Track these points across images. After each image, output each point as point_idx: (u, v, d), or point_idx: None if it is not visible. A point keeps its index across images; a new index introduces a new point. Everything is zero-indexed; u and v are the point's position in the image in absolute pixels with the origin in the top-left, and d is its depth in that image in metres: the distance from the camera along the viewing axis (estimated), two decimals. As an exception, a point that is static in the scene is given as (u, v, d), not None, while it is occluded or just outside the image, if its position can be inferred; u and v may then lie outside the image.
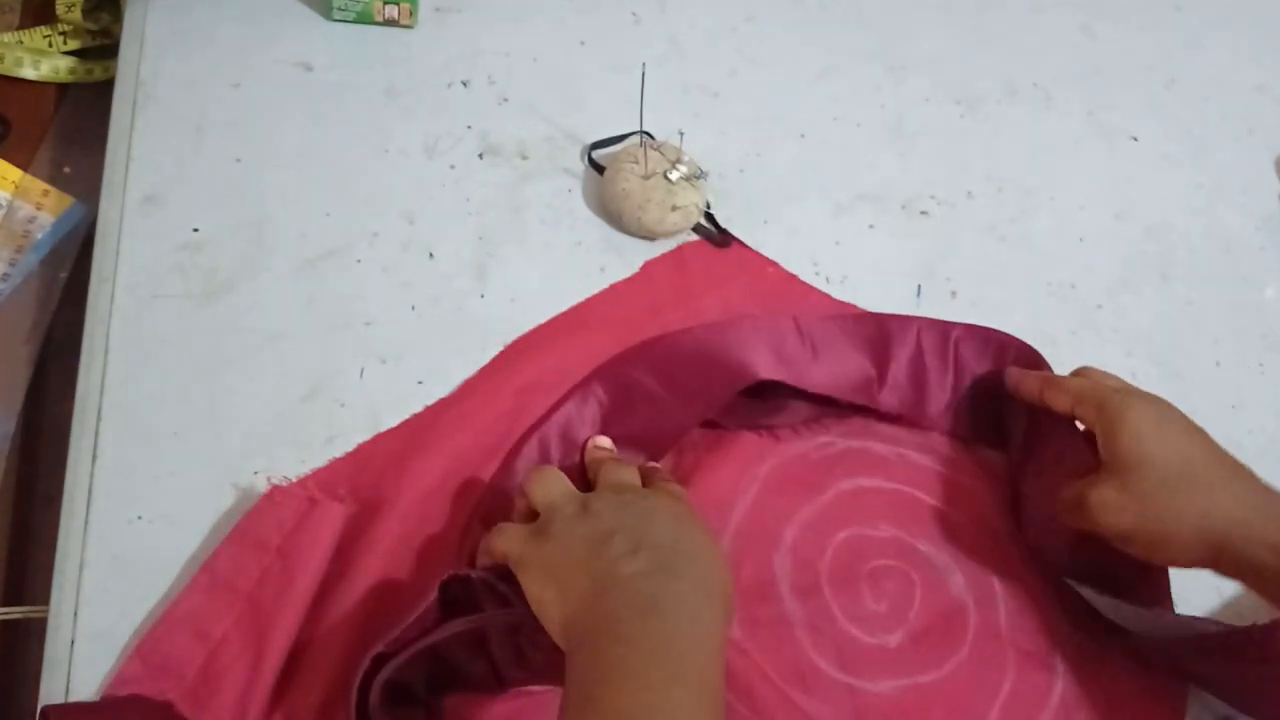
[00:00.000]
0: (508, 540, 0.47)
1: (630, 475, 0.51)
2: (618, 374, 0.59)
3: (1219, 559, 0.50)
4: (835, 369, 0.60)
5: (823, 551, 0.57)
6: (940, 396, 0.61)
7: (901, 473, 0.60)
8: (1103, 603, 0.56)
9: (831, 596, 0.56)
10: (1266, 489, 0.52)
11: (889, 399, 0.61)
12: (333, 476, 0.55)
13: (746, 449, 0.59)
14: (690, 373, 0.59)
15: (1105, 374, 0.58)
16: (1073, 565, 0.57)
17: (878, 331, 0.62)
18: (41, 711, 0.47)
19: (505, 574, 0.50)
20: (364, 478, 0.55)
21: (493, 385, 0.59)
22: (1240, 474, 0.52)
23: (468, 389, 0.59)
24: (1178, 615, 0.56)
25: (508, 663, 0.49)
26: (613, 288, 0.64)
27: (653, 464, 0.56)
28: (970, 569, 0.58)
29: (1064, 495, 0.55)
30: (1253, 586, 0.50)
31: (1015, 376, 0.60)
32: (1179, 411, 0.54)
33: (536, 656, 0.49)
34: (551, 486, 0.49)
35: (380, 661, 0.46)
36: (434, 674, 0.49)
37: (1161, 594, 0.57)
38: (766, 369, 0.59)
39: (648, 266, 0.65)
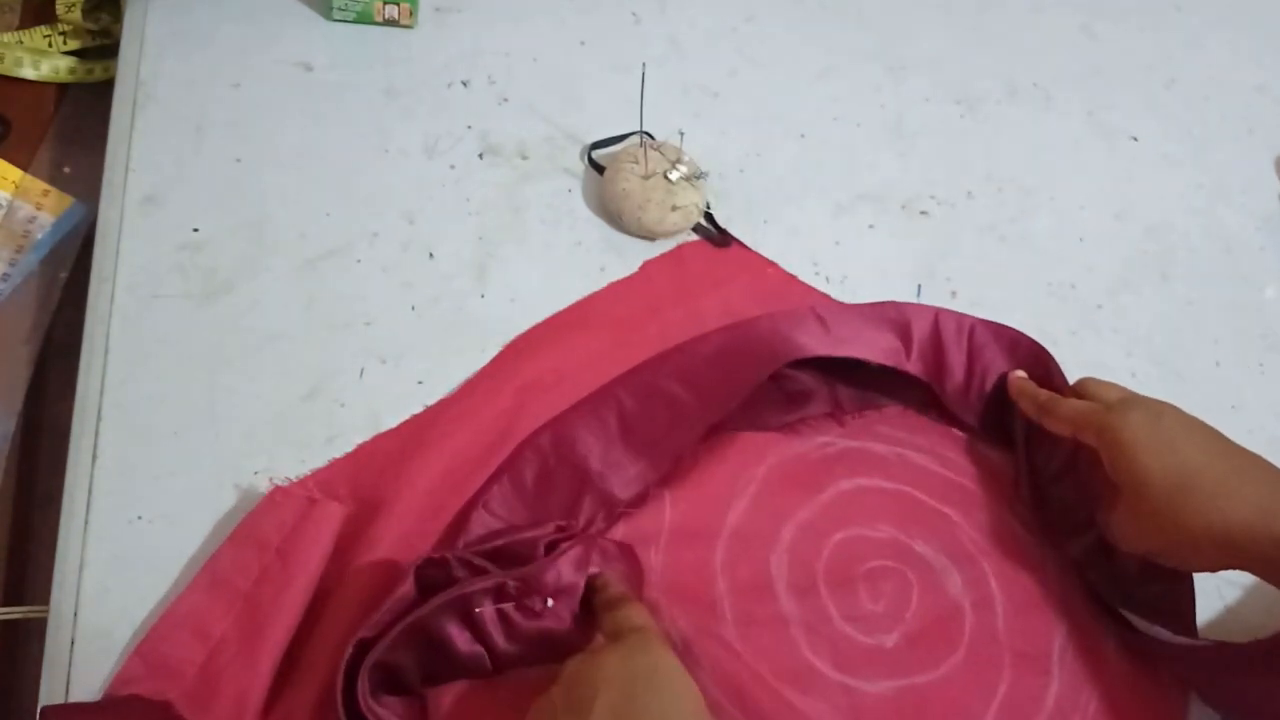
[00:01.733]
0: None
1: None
2: (640, 381, 0.59)
3: (1237, 562, 0.50)
4: (863, 347, 0.61)
5: (820, 551, 0.57)
6: (956, 375, 0.62)
7: (901, 473, 0.60)
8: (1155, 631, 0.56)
9: (828, 596, 0.56)
10: (1271, 479, 0.51)
11: (916, 366, 0.62)
12: (333, 476, 0.55)
13: (745, 449, 0.59)
14: (713, 370, 0.59)
15: (1105, 385, 0.58)
16: (1095, 565, 0.57)
17: (897, 314, 0.63)
18: (41, 712, 0.47)
19: (479, 548, 0.50)
20: (364, 477, 0.55)
21: (492, 385, 0.59)
22: (1244, 470, 0.51)
23: (467, 388, 0.59)
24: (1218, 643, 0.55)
25: (497, 636, 0.49)
26: (612, 287, 0.64)
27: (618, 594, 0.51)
28: (968, 570, 0.58)
29: (1099, 524, 0.56)
30: (1274, 583, 0.50)
31: (1015, 388, 0.61)
32: (1177, 417, 0.54)
33: (525, 624, 0.49)
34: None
35: (365, 649, 0.47)
36: (427, 661, 0.49)
37: (1185, 590, 0.57)
38: (796, 351, 0.60)
39: (647, 266, 0.65)
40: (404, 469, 0.55)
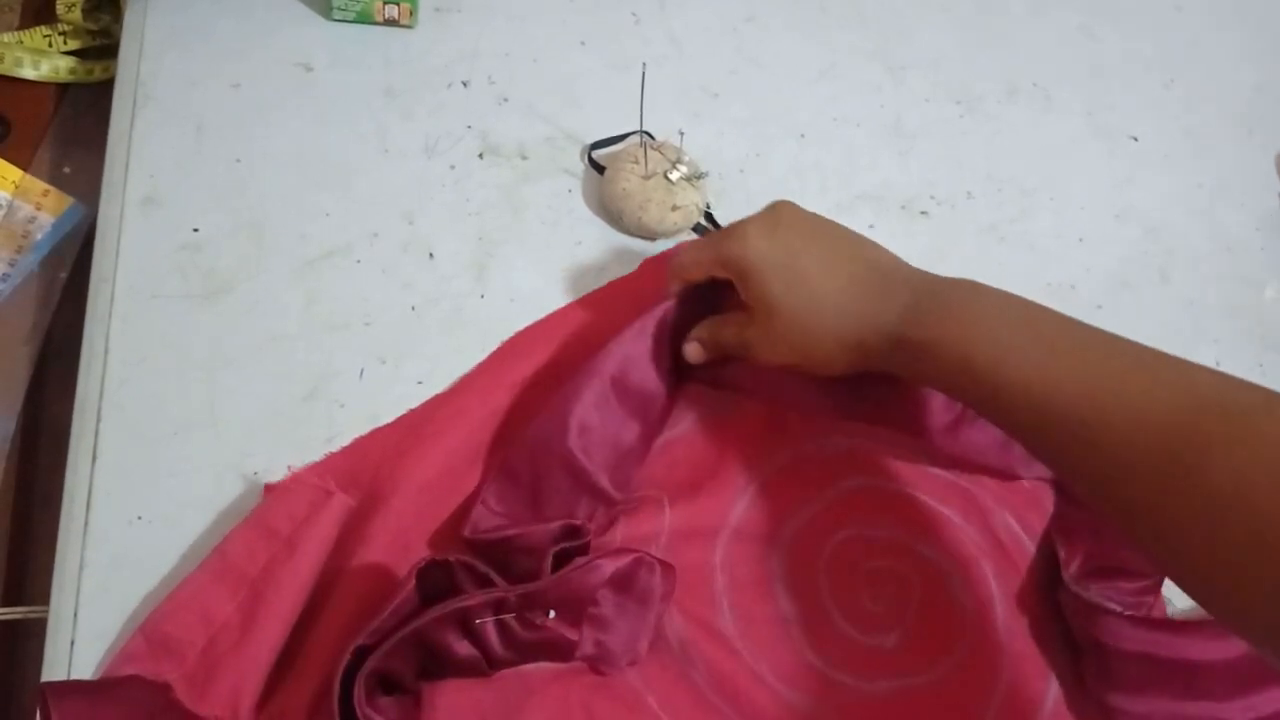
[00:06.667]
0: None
1: None
2: (622, 353, 0.57)
3: (865, 364, 0.53)
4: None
5: (821, 551, 0.57)
6: (939, 415, 0.60)
7: (904, 474, 0.60)
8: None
9: (828, 596, 0.56)
10: (878, 288, 0.52)
11: (879, 405, 0.60)
12: (327, 471, 0.55)
13: (747, 449, 0.59)
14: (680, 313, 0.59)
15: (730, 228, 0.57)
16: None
17: None
18: (41, 688, 0.47)
19: (483, 554, 0.50)
20: (358, 472, 0.55)
21: (487, 382, 0.59)
22: (859, 281, 0.53)
23: (462, 385, 0.59)
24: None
25: (495, 644, 0.49)
26: (610, 285, 0.64)
27: None
28: (968, 572, 0.58)
29: (724, 337, 0.57)
30: (901, 372, 0.53)
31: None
32: (793, 226, 0.54)
33: (524, 634, 0.49)
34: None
35: (362, 654, 0.47)
36: (421, 662, 0.49)
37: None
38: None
39: (646, 264, 0.65)
40: (398, 465, 0.55)
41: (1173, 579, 0.44)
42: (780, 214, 0.55)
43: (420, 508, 0.54)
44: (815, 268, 0.53)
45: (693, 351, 0.58)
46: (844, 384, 0.58)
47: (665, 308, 0.58)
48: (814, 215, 0.56)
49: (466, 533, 0.53)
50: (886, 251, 0.55)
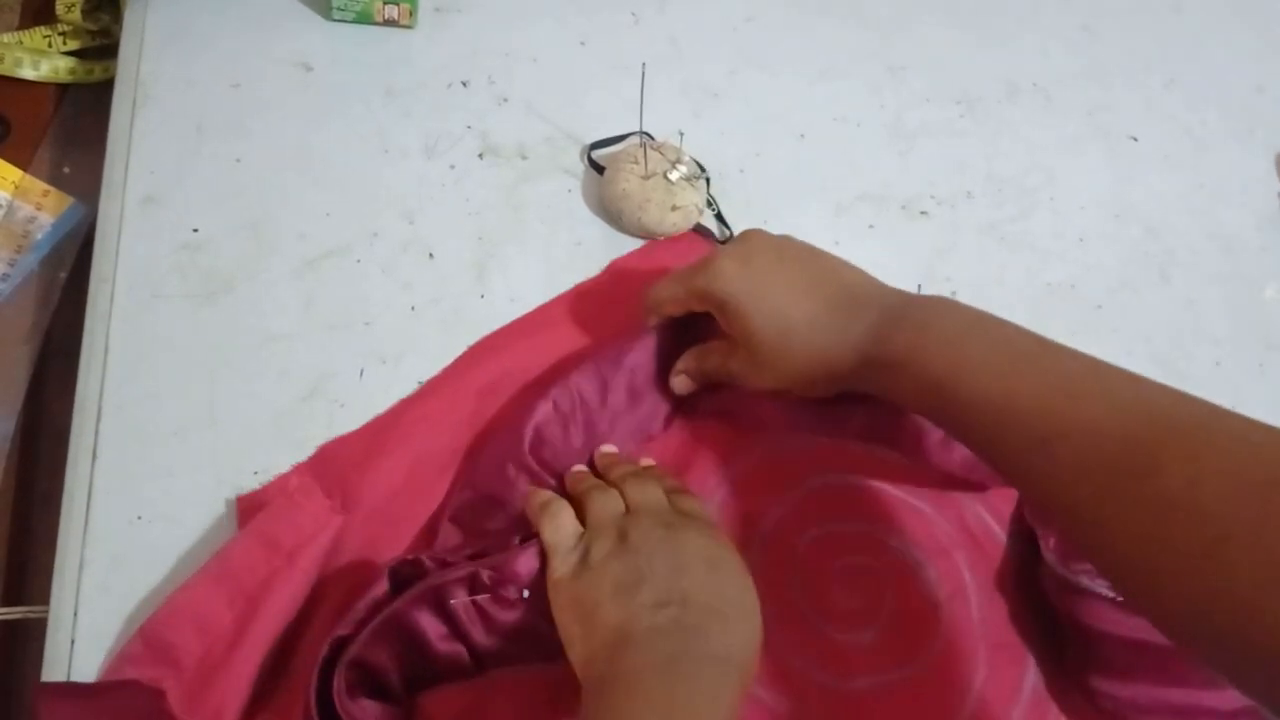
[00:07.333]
0: (554, 552, 0.49)
1: (658, 496, 0.51)
2: (592, 369, 0.58)
3: (842, 384, 0.54)
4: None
5: (793, 550, 0.57)
6: (937, 430, 0.58)
7: (872, 468, 0.60)
8: None
9: (803, 594, 0.56)
10: (847, 308, 0.53)
11: (874, 423, 0.59)
12: (298, 479, 0.54)
13: (716, 450, 0.59)
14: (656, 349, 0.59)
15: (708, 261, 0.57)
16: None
17: None
18: (35, 690, 0.47)
19: (454, 552, 0.50)
20: (326, 481, 0.55)
21: (455, 386, 0.59)
22: (830, 304, 0.53)
23: (427, 390, 0.59)
24: None
25: (476, 630, 0.49)
26: (578, 287, 0.64)
27: (679, 486, 0.55)
28: (941, 563, 0.57)
29: (709, 366, 0.57)
30: (875, 390, 0.53)
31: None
32: (764, 253, 0.55)
33: (502, 615, 0.49)
34: (602, 507, 0.50)
35: (341, 647, 0.46)
36: (405, 661, 0.49)
37: None
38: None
39: (614, 265, 0.65)
40: (365, 473, 0.55)
41: (1120, 589, 0.45)
42: (751, 243, 0.56)
43: (389, 517, 0.54)
44: (789, 292, 0.53)
45: (680, 384, 0.58)
46: (839, 406, 0.58)
47: (647, 341, 0.58)
48: (784, 239, 0.56)
49: (436, 548, 0.52)
50: (858, 271, 0.56)
